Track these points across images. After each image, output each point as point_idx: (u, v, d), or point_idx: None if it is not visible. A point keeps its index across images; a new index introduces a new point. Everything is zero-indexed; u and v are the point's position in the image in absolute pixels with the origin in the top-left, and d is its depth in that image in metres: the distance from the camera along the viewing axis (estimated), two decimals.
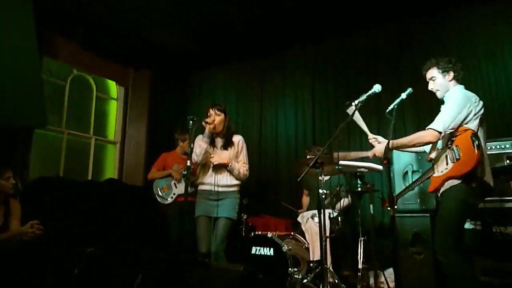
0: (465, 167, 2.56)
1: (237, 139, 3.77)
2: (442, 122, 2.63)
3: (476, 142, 2.54)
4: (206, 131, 3.56)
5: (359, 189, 4.01)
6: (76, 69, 6.19)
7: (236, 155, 3.74)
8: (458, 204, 2.59)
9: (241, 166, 3.72)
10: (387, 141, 2.74)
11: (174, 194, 4.60)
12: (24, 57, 4.62)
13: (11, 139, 4.84)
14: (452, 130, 2.64)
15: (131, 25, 5.59)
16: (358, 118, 3.07)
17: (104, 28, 5.62)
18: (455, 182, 2.62)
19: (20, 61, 4.58)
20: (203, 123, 3.55)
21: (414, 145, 2.83)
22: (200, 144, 3.56)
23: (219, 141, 3.74)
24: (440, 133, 2.61)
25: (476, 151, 2.52)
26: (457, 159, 2.62)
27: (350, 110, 2.97)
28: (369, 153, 2.94)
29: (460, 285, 2.53)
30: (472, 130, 2.62)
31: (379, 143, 2.97)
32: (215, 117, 3.64)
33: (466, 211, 2.67)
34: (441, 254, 2.60)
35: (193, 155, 3.58)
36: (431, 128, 2.65)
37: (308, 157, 4.58)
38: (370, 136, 3.05)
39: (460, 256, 2.54)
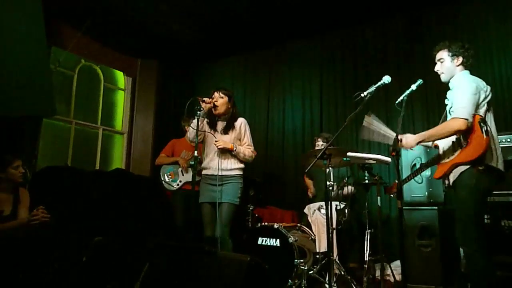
0: (473, 153, 2.52)
1: (239, 122, 3.70)
2: (463, 108, 2.55)
3: (485, 128, 2.51)
4: (203, 109, 3.44)
5: (367, 181, 4.00)
6: (84, 59, 6.21)
7: (239, 138, 3.68)
8: (471, 191, 2.56)
9: (246, 148, 3.67)
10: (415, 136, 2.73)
11: (180, 181, 4.61)
12: (33, 47, 4.63)
13: (20, 128, 4.87)
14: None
15: (139, 15, 5.57)
16: (373, 134, 2.97)
17: (112, 18, 5.61)
18: (464, 168, 2.59)
19: (29, 50, 4.59)
20: (200, 101, 3.42)
21: (442, 136, 2.72)
22: (193, 122, 3.47)
23: (220, 125, 3.69)
24: (466, 119, 2.51)
25: (484, 136, 2.49)
26: (465, 145, 2.58)
27: (367, 134, 2.91)
28: (399, 138, 2.76)
29: (479, 277, 2.51)
30: (480, 115, 2.58)
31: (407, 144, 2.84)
32: (218, 99, 3.60)
33: (481, 196, 2.62)
34: (463, 244, 2.59)
35: (188, 133, 3.55)
36: (456, 117, 2.56)
37: (316, 143, 4.56)
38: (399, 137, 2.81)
39: (480, 249, 2.51)
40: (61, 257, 3.34)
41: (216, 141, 3.53)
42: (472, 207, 2.57)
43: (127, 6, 5.30)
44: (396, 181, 2.64)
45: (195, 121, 3.43)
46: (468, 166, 2.57)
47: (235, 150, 3.57)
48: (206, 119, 3.64)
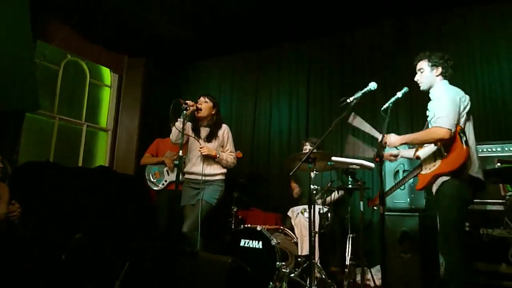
0: (454, 163, 2.57)
1: (222, 130, 3.78)
2: (445, 117, 2.59)
3: (464, 138, 2.56)
4: (185, 111, 3.44)
5: (350, 186, 4.03)
6: (70, 54, 6.12)
7: (221, 145, 3.77)
8: (453, 201, 2.61)
9: (228, 155, 3.76)
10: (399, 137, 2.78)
11: (165, 181, 4.59)
12: (18, 40, 4.54)
13: (1, 122, 4.77)
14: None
15: (127, 12, 5.52)
16: (361, 124, 3.03)
17: (100, 14, 5.55)
18: (445, 178, 2.64)
19: (13, 43, 4.51)
20: (182, 103, 3.41)
21: (424, 142, 2.79)
22: (176, 124, 3.53)
23: (203, 131, 3.74)
24: (450, 129, 2.55)
25: (464, 147, 2.53)
26: (445, 156, 2.63)
27: (354, 120, 2.95)
28: (382, 138, 2.77)
29: (459, 285, 2.52)
30: (460, 126, 2.63)
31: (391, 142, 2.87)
32: (203, 103, 3.63)
33: (463, 205, 2.66)
34: (445, 253, 2.62)
35: (171, 134, 3.61)
36: (438, 126, 2.60)
37: (304, 148, 4.58)
38: (382, 138, 2.82)
39: (461, 257, 2.55)
40: (41, 254, 3.29)
41: (200, 147, 3.57)
42: (454, 216, 2.62)
43: (115, 2, 5.25)
44: (379, 192, 2.66)
45: (178, 123, 3.44)
46: (449, 177, 2.62)
47: (218, 157, 3.64)
48: (189, 123, 3.65)
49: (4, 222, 3.08)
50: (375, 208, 4.18)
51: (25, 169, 4.48)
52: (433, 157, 2.74)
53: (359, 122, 3.01)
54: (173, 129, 3.59)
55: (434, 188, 2.74)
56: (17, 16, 4.52)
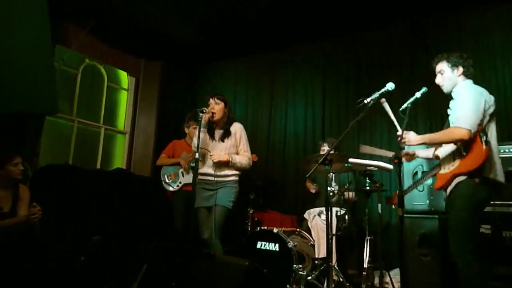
0: (473, 163, 2.51)
1: (235, 128, 3.70)
2: (466, 118, 2.52)
3: (484, 138, 2.49)
4: (203, 120, 3.49)
5: (368, 187, 3.99)
6: (88, 58, 6.22)
7: (236, 145, 3.68)
8: (469, 202, 2.54)
9: (242, 156, 3.66)
10: (418, 136, 2.71)
11: (180, 182, 4.61)
12: (37, 45, 4.63)
13: (22, 126, 4.87)
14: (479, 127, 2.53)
15: (144, 16, 5.58)
16: (388, 110, 2.96)
17: (117, 18, 5.62)
18: (462, 178, 2.58)
19: (33, 48, 4.60)
20: (199, 113, 3.46)
21: (443, 142, 2.73)
22: (196, 134, 3.50)
23: (218, 133, 3.71)
24: (469, 130, 2.49)
25: (484, 146, 2.47)
26: (464, 155, 2.57)
27: (365, 149, 2.92)
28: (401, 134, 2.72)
29: None
30: (481, 126, 2.56)
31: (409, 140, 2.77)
32: (214, 106, 3.61)
33: (477, 208, 2.60)
34: (456, 256, 2.53)
35: (192, 144, 3.60)
36: (459, 127, 2.53)
37: (322, 148, 4.54)
38: (399, 133, 2.76)
39: (476, 260, 2.47)
40: (60, 256, 3.34)
41: (211, 155, 3.54)
42: (467, 218, 2.55)
43: (132, 6, 5.31)
44: (397, 191, 2.62)
45: (195, 138, 3.49)
46: (465, 177, 2.56)
47: (231, 162, 3.56)
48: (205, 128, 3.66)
49: (25, 224, 3.14)
50: (393, 206, 4.11)
51: (45, 172, 4.56)
52: (452, 156, 2.69)
53: (370, 150, 2.98)
54: (193, 138, 3.61)
55: (449, 189, 2.68)
56: (37, 21, 4.61)
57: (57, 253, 3.35)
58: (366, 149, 2.97)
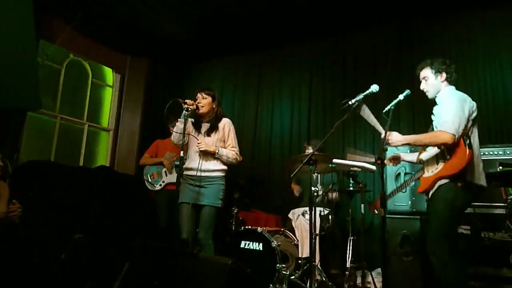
0: (456, 166, 2.55)
1: (223, 123, 3.62)
2: (451, 123, 2.57)
3: (468, 141, 2.54)
4: (184, 111, 3.37)
5: (351, 188, 4.02)
6: (72, 53, 6.13)
7: (223, 140, 3.60)
8: (448, 204, 2.59)
9: (229, 150, 3.58)
10: (402, 136, 2.76)
11: (163, 181, 4.59)
12: (21, 38, 4.54)
13: (3, 121, 4.78)
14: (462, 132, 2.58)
15: (130, 12, 5.52)
16: (368, 116, 3.00)
17: (103, 13, 5.56)
18: (444, 181, 2.63)
19: (16, 42, 4.51)
20: (181, 102, 3.36)
21: (427, 144, 2.79)
22: (176, 125, 3.45)
23: (204, 127, 3.62)
24: (454, 135, 2.54)
25: (467, 150, 2.52)
26: (448, 159, 2.62)
27: (363, 111, 2.93)
28: (384, 135, 2.78)
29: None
30: (464, 130, 2.61)
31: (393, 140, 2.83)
32: (201, 100, 3.53)
33: (456, 211, 2.65)
34: (434, 256, 2.59)
35: (172, 136, 3.53)
36: (443, 130, 2.59)
37: (306, 150, 4.56)
38: (383, 135, 2.83)
39: (452, 259, 2.53)
40: (41, 254, 3.28)
41: (198, 143, 3.46)
42: (445, 221, 2.61)
43: (119, 2, 5.26)
44: (380, 195, 2.65)
45: (179, 124, 3.41)
46: (448, 180, 2.61)
47: (217, 153, 3.48)
48: (191, 119, 3.60)
49: (4, 221, 3.08)
50: (376, 212, 4.17)
51: (26, 168, 4.48)
52: (435, 159, 2.73)
53: (367, 114, 2.98)
54: (174, 130, 3.53)
55: (431, 192, 2.72)
56: (20, 14, 4.52)
57: (38, 251, 3.30)
58: (365, 112, 2.97)
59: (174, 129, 3.50)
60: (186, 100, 3.39)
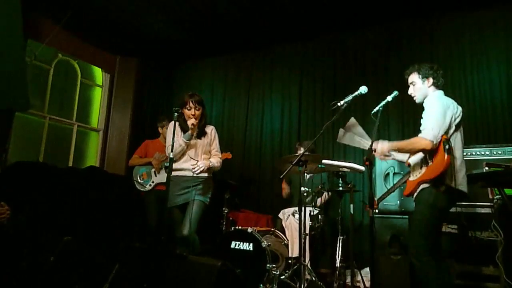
0: (434, 171, 2.61)
1: (210, 128, 3.78)
2: (430, 129, 2.63)
3: (447, 147, 2.58)
4: (189, 132, 3.53)
5: (340, 188, 4.05)
6: (61, 53, 6.08)
7: (210, 144, 3.74)
8: (428, 208, 2.65)
9: (216, 159, 3.71)
10: (387, 144, 2.80)
11: (153, 182, 4.57)
12: (8, 38, 4.50)
13: None
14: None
15: (119, 12, 5.49)
16: (351, 139, 3.02)
17: (92, 13, 5.52)
18: (425, 185, 2.68)
19: (4, 41, 4.47)
20: (190, 124, 3.52)
21: (408, 151, 2.85)
22: (180, 144, 3.53)
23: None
24: (432, 141, 2.60)
25: (446, 155, 2.56)
26: (430, 164, 2.66)
27: (342, 138, 2.98)
28: (370, 146, 2.83)
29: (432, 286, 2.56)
30: (446, 136, 2.65)
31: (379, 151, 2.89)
32: (195, 112, 3.62)
33: (437, 214, 2.70)
34: (414, 256, 2.65)
35: (168, 150, 3.45)
36: (423, 137, 2.65)
37: (298, 151, 4.59)
38: (369, 145, 2.86)
39: (433, 260, 2.58)
40: (29, 256, 3.26)
41: (192, 166, 3.53)
42: (426, 223, 2.66)
43: (108, 1, 5.22)
44: (369, 196, 2.69)
45: (182, 142, 3.51)
46: (428, 185, 2.66)
47: (211, 166, 3.61)
48: (177, 122, 3.61)
49: None
50: (376, 211, 4.18)
51: (14, 170, 4.44)
52: (420, 164, 2.79)
53: (348, 139, 3.02)
54: (176, 146, 3.51)
55: (415, 194, 2.78)
56: (7, 13, 4.48)
57: (27, 253, 3.27)
58: (345, 139, 3.01)
59: (176, 145, 3.48)
60: (193, 122, 3.52)
